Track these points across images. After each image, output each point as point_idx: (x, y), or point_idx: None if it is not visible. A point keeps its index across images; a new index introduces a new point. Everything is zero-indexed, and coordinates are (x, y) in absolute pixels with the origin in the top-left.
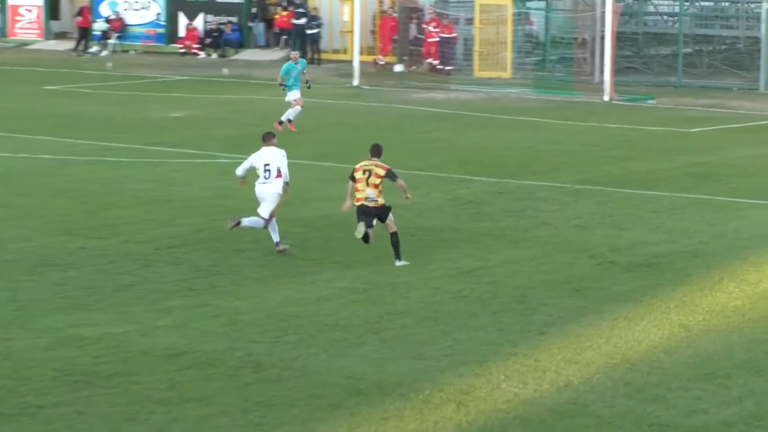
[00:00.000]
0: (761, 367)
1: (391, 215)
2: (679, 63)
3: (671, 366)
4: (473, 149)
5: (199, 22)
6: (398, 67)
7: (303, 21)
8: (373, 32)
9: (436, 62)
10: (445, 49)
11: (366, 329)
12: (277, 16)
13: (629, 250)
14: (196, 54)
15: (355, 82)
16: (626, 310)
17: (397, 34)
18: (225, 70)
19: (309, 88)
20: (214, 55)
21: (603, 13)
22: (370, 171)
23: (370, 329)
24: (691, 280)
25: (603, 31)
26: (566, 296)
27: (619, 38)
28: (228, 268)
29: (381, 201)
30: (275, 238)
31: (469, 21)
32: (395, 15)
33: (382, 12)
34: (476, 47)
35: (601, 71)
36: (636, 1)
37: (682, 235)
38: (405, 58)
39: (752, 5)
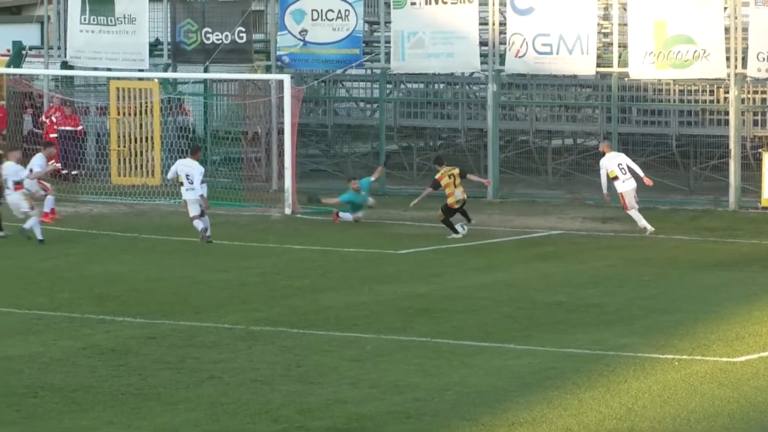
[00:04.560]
0: None
1: None
2: (382, 164)
3: None
4: (113, 281)
5: None
6: None
7: None
8: None
9: (59, 165)
10: (70, 147)
11: None
12: None
13: (324, 411)
14: None
15: None
16: None
17: (6, 128)
18: None
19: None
20: None
21: (280, 99)
22: (453, 175)
23: None
24: None
25: (281, 124)
26: None
27: (303, 132)
28: None
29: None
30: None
31: (103, 110)
32: (3, 103)
33: None
34: (113, 145)
35: (280, 176)
36: (323, 84)
37: (391, 390)
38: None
39: (474, 87)
